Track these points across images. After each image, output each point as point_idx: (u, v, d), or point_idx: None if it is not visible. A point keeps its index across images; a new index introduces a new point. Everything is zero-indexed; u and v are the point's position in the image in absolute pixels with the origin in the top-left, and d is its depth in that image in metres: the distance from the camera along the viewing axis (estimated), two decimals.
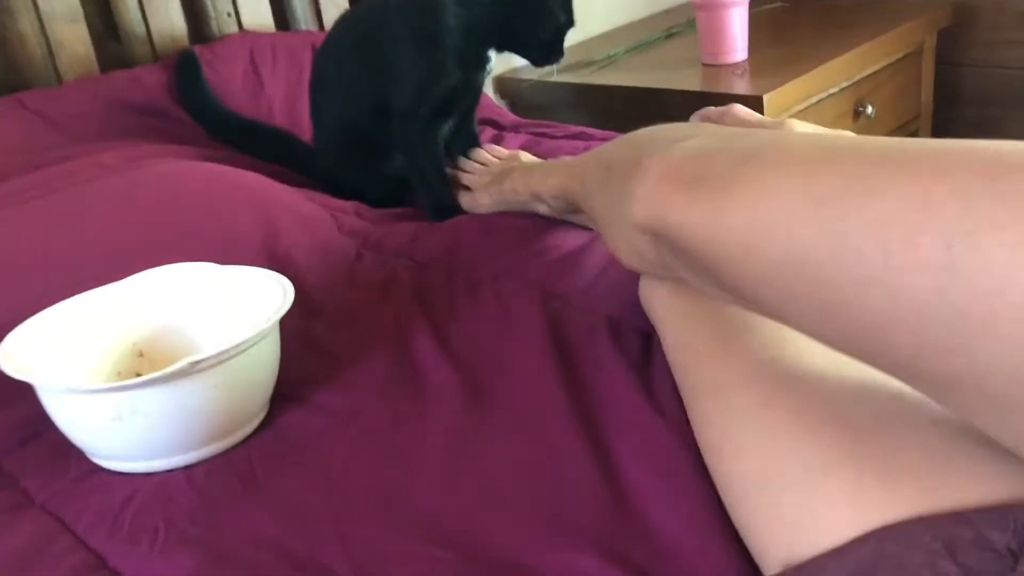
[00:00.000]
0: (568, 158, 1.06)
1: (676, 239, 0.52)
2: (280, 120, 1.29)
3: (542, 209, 1.01)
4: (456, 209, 1.09)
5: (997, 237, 0.37)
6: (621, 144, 0.76)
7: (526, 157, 1.12)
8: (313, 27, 1.49)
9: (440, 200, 1.10)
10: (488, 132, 1.33)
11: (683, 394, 0.64)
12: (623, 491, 0.60)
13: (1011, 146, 0.40)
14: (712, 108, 1.19)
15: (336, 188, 1.16)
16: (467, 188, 1.11)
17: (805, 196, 0.44)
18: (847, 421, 0.50)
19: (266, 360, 0.73)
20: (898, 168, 0.42)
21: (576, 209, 0.93)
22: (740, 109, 1.14)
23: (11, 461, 0.73)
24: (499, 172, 1.09)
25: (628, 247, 0.66)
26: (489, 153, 1.15)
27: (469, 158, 1.15)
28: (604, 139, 1.25)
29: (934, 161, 0.41)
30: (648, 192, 0.53)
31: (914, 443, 0.47)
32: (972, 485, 0.45)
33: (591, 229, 0.94)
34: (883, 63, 1.69)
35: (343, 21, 1.17)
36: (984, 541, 0.41)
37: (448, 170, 1.12)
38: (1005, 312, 0.36)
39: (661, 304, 0.70)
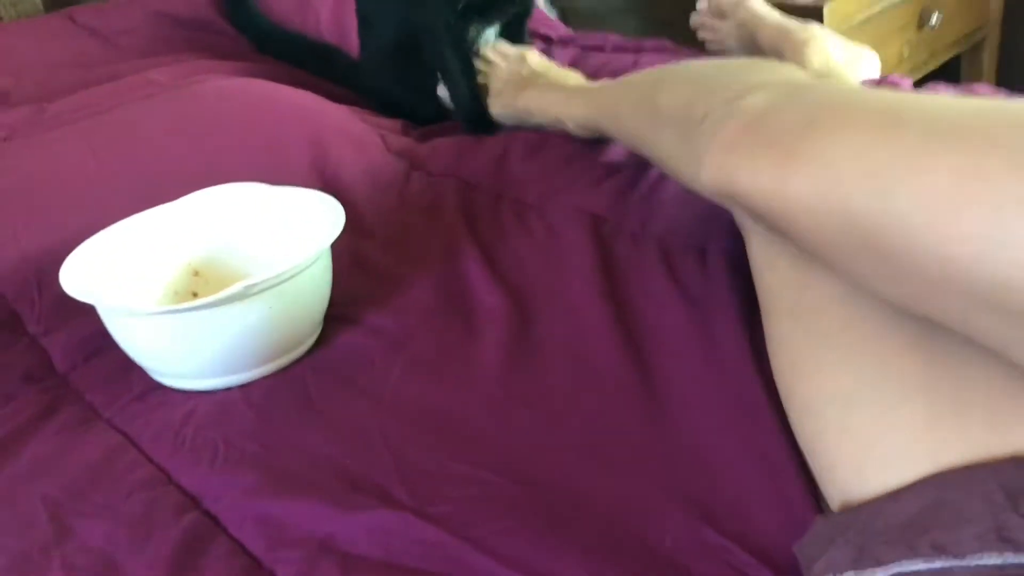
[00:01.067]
0: (587, 83, 1.03)
1: (747, 203, 0.53)
2: (327, 34, 1.27)
3: (563, 129, 1.00)
4: (488, 122, 1.08)
5: None
6: (670, 84, 0.74)
7: (533, 59, 1.09)
8: None
9: (468, 112, 1.09)
10: (537, 45, 1.30)
11: (763, 313, 0.64)
12: (677, 425, 0.60)
13: None
14: None
15: (383, 104, 1.15)
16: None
17: (861, 168, 0.45)
18: (924, 351, 0.49)
19: (319, 282, 0.74)
20: (951, 138, 0.42)
21: (603, 137, 0.93)
22: (756, 3, 1.11)
23: (77, 376, 0.76)
24: (509, 80, 1.07)
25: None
26: (494, 53, 1.11)
27: (482, 56, 1.11)
28: (657, 49, 1.21)
29: (988, 130, 0.42)
30: (716, 160, 0.54)
31: (988, 380, 0.47)
32: None
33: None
34: None
35: None
36: None
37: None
38: None
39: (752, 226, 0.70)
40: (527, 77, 1.07)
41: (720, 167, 0.54)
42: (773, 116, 0.52)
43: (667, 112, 0.72)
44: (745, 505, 0.54)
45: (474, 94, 1.09)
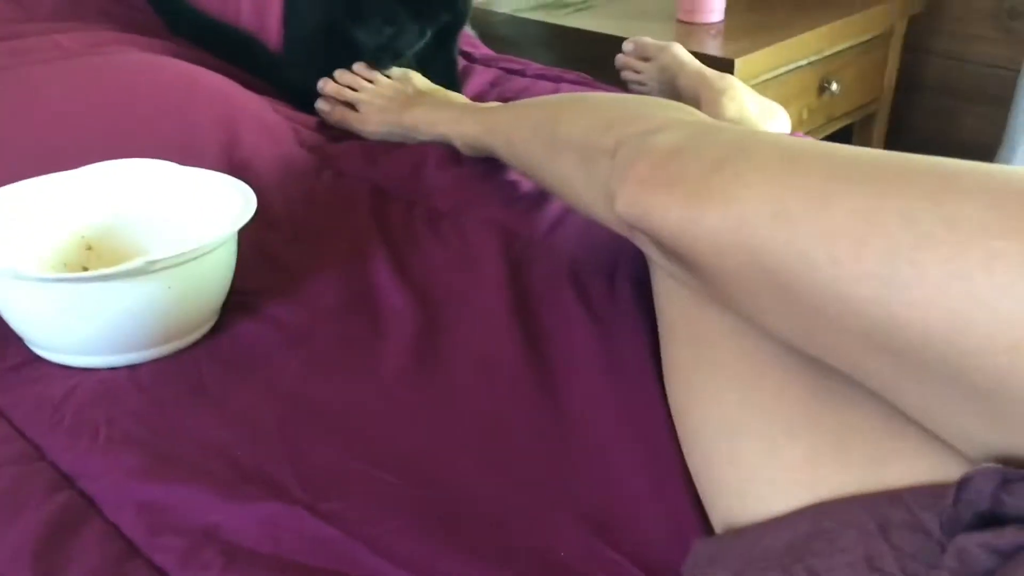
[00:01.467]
0: (475, 103, 1.04)
1: (658, 237, 0.54)
2: (247, 24, 1.24)
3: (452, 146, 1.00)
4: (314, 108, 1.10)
5: (935, 253, 0.40)
6: (571, 113, 0.75)
7: (420, 81, 1.10)
8: None
9: (301, 87, 1.10)
10: (460, 62, 1.31)
11: (661, 339, 0.65)
12: (576, 437, 0.61)
13: (958, 169, 0.43)
14: (650, 41, 1.20)
15: (302, 97, 1.13)
16: (350, 107, 1.09)
17: (767, 207, 0.47)
18: (812, 389, 0.51)
19: (222, 266, 0.72)
20: (852, 180, 0.45)
21: (490, 157, 0.94)
22: (679, 49, 1.15)
23: None
24: (394, 98, 1.07)
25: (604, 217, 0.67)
26: (380, 72, 1.10)
27: (354, 72, 1.10)
28: (577, 82, 1.23)
29: (886, 179, 0.44)
30: (630, 195, 0.55)
31: (869, 420, 0.49)
32: (917, 463, 0.47)
33: None
34: (852, 42, 1.71)
35: None
36: (917, 523, 0.43)
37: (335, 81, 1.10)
38: (937, 322, 0.40)
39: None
40: (412, 96, 1.07)
41: (633, 202, 0.55)
42: (685, 154, 0.54)
43: (568, 140, 0.72)
44: (638, 521, 0.55)
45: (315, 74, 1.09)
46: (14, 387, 0.66)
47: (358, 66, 1.10)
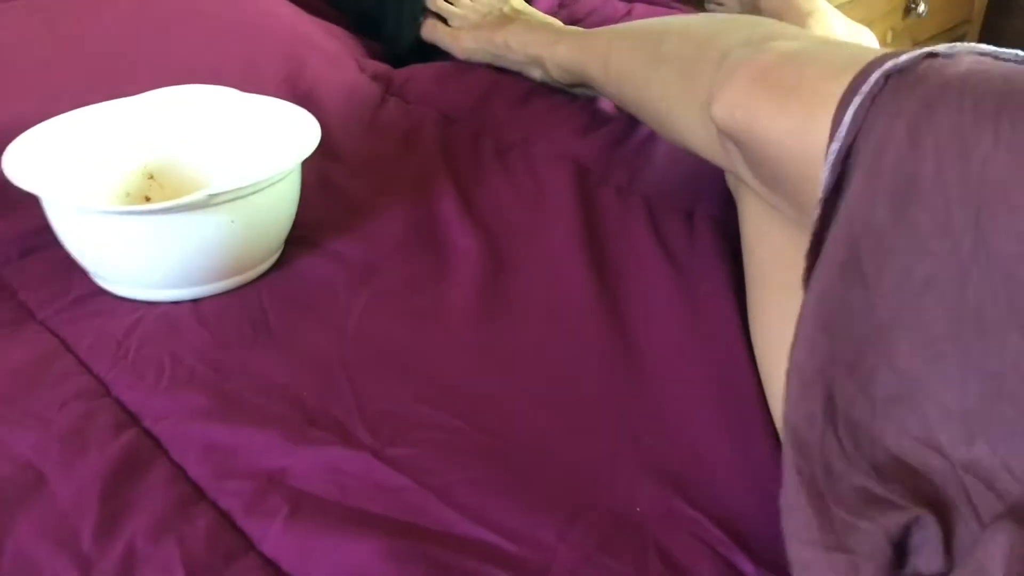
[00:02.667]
0: (570, 27, 0.99)
1: (755, 145, 0.52)
2: None
3: (536, 74, 0.96)
4: (416, 55, 1.04)
5: None
6: (678, 33, 0.72)
7: (518, 2, 1.05)
8: None
9: (400, 37, 1.05)
10: None
11: (750, 284, 0.62)
12: (653, 390, 0.58)
13: None
14: None
15: (362, 20, 1.09)
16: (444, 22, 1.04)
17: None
18: None
19: (286, 199, 0.70)
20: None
21: (583, 84, 0.90)
22: None
23: (10, 272, 0.71)
24: (488, 15, 1.02)
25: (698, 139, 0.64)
26: None
27: None
28: (651, 1, 1.17)
29: None
30: (736, 95, 0.53)
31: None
32: None
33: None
34: None
35: None
36: None
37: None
38: None
39: (747, 190, 0.67)
40: (508, 14, 1.02)
41: (739, 101, 0.53)
42: (803, 61, 0.52)
43: (671, 54, 0.69)
44: (719, 481, 0.52)
45: (415, 16, 1.04)
46: (78, 319, 0.65)
47: None
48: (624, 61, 0.80)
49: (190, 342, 0.62)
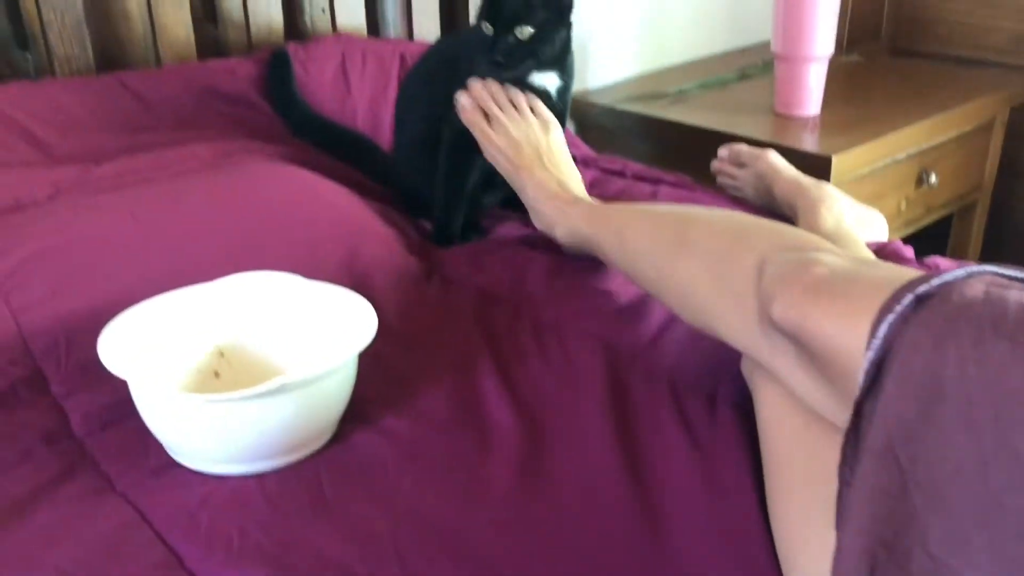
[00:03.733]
0: (589, 198, 1.05)
1: (809, 341, 0.62)
2: (362, 125, 1.32)
3: (536, 224, 1.04)
4: (458, 240, 1.13)
5: None
6: (705, 223, 0.80)
7: (555, 138, 1.09)
8: (402, 32, 1.52)
9: (448, 227, 1.14)
10: None
11: (767, 471, 0.68)
12: (675, 566, 0.63)
13: None
14: (745, 148, 1.23)
15: (409, 202, 1.20)
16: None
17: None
18: None
19: (345, 382, 0.77)
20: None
21: (589, 252, 0.98)
22: (775, 157, 1.18)
23: (93, 443, 0.78)
24: (526, 142, 1.06)
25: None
26: (527, 100, 1.09)
27: (507, 91, 1.09)
28: (675, 184, 1.27)
29: None
30: (793, 298, 0.64)
31: None
32: None
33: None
34: (952, 134, 1.70)
35: (438, 44, 1.21)
36: None
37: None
38: None
39: (762, 379, 0.74)
40: (540, 153, 1.08)
41: (792, 304, 0.64)
42: (851, 275, 0.63)
43: (699, 246, 0.79)
44: None
45: (458, 213, 1.13)
46: (155, 491, 0.72)
47: (511, 88, 1.09)
48: (643, 241, 0.87)
49: (256, 516, 0.68)
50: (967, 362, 0.51)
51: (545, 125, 1.09)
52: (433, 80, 1.17)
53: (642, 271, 0.87)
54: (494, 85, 1.08)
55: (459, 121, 1.09)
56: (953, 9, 2.04)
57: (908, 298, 0.56)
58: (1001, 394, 0.49)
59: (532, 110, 1.09)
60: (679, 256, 0.81)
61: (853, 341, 0.57)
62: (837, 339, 0.59)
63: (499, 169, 1.09)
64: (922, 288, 0.56)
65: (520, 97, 1.09)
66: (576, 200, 1.03)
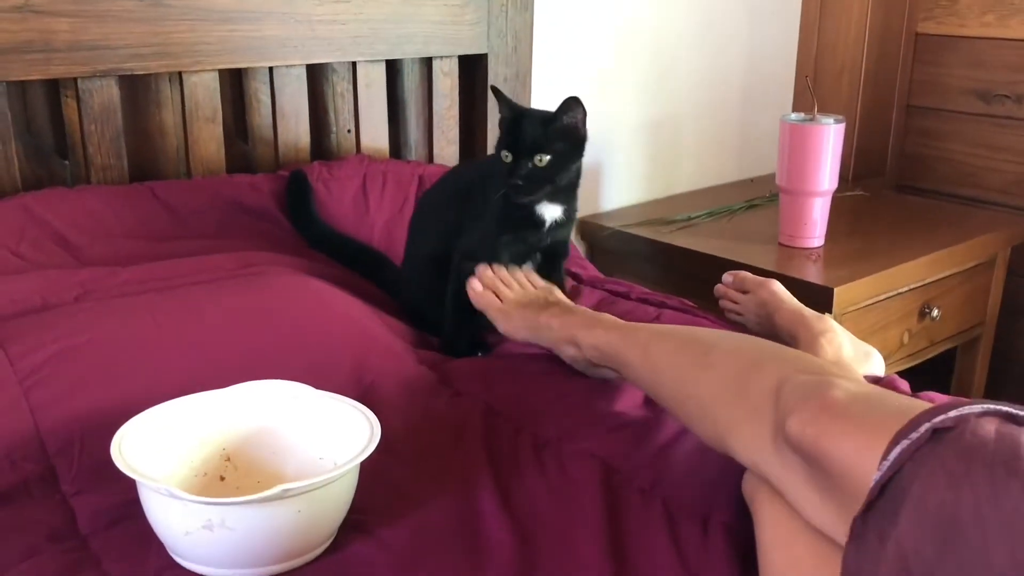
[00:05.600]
0: (612, 318, 1.10)
1: (821, 457, 0.64)
2: (378, 241, 1.38)
3: (568, 353, 1.07)
4: (462, 352, 1.17)
5: None
6: (731, 351, 0.86)
7: (560, 294, 1.18)
8: (423, 156, 1.60)
9: (455, 343, 1.18)
10: (567, 283, 1.40)
11: None
12: None
13: None
14: (749, 275, 1.26)
15: (415, 315, 1.24)
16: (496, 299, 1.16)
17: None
18: None
19: (346, 491, 0.79)
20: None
21: (612, 367, 1.01)
22: (778, 286, 1.21)
23: (98, 541, 0.80)
24: (535, 299, 1.15)
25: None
26: (527, 277, 1.19)
27: (511, 272, 1.18)
28: (679, 308, 1.30)
29: None
30: (810, 416, 0.66)
31: None
32: None
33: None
34: (954, 269, 1.74)
35: (455, 170, 1.28)
36: None
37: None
38: None
39: (765, 499, 0.76)
40: (551, 301, 1.15)
41: (809, 420, 0.66)
42: (870, 401, 0.66)
43: (721, 364, 0.83)
44: None
45: (466, 331, 1.18)
46: None
47: (515, 269, 1.18)
48: (666, 357, 0.91)
49: None
50: (982, 502, 0.53)
51: (547, 288, 1.18)
52: (447, 204, 1.23)
53: (663, 385, 0.91)
54: (500, 269, 1.17)
55: (468, 244, 1.15)
56: (956, 150, 2.12)
57: (924, 427, 0.58)
58: (1017, 534, 0.51)
59: (531, 283, 1.19)
60: (702, 373, 0.85)
61: (867, 463, 0.60)
62: (852, 459, 0.61)
63: (525, 336, 1.13)
64: (938, 418, 0.58)
65: (518, 274, 1.18)
66: (597, 319, 1.07)
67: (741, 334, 0.93)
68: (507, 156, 1.11)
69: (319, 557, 0.78)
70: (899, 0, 2.10)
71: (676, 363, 0.90)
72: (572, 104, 1.11)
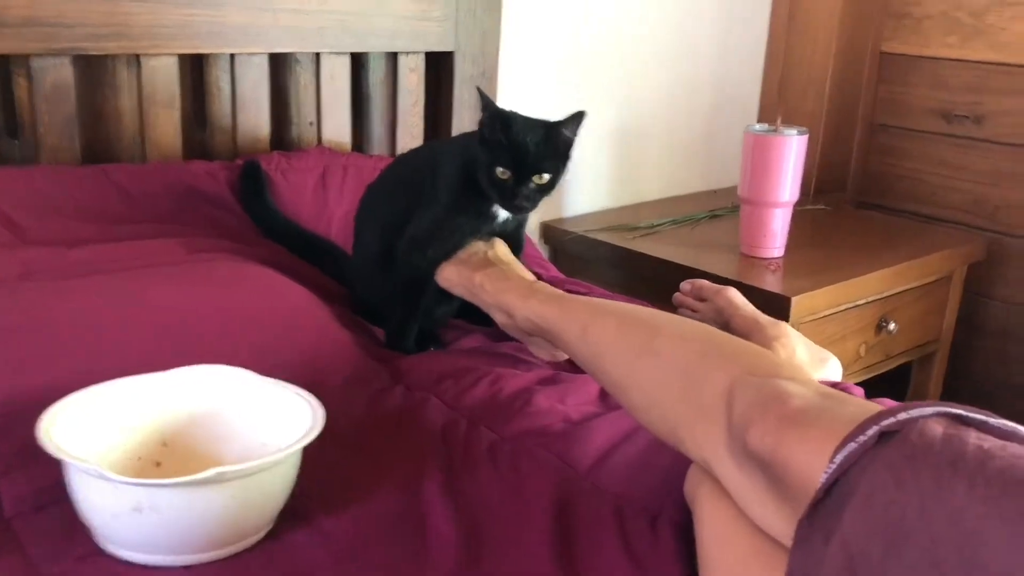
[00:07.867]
0: (543, 284, 1.07)
1: (782, 466, 0.64)
2: (337, 233, 1.35)
3: (499, 318, 1.05)
4: (412, 350, 1.15)
5: None
6: (676, 330, 0.83)
7: (501, 248, 1.14)
8: (386, 152, 1.58)
9: (402, 338, 1.16)
10: None
11: None
12: None
13: None
14: (707, 283, 1.26)
15: (367, 309, 1.22)
16: None
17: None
18: None
19: (285, 478, 0.76)
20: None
21: (547, 340, 0.99)
22: (734, 293, 1.21)
23: (22, 524, 0.76)
24: (474, 255, 1.11)
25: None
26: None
27: None
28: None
29: None
30: (769, 426, 0.66)
31: None
32: None
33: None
34: (912, 284, 1.75)
35: (399, 160, 1.25)
36: None
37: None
38: None
39: (707, 498, 0.74)
40: (490, 259, 1.12)
41: (769, 430, 0.66)
42: (824, 409, 0.66)
43: (668, 354, 0.80)
44: None
45: (412, 325, 1.16)
46: None
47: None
48: (608, 339, 0.87)
49: None
50: (928, 503, 0.52)
51: (489, 244, 1.14)
52: (392, 195, 1.20)
53: (604, 370, 0.88)
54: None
55: (420, 232, 1.13)
56: (917, 168, 2.14)
57: (872, 429, 0.58)
58: (963, 533, 0.51)
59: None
60: (646, 360, 0.82)
61: (821, 468, 0.59)
62: (807, 466, 0.61)
63: (459, 293, 1.11)
64: (886, 421, 0.58)
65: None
66: (533, 289, 1.03)
67: (683, 317, 0.90)
68: (504, 173, 1.06)
69: (254, 545, 0.75)
70: (865, 18, 2.12)
71: (618, 347, 0.86)
72: (581, 119, 1.07)
